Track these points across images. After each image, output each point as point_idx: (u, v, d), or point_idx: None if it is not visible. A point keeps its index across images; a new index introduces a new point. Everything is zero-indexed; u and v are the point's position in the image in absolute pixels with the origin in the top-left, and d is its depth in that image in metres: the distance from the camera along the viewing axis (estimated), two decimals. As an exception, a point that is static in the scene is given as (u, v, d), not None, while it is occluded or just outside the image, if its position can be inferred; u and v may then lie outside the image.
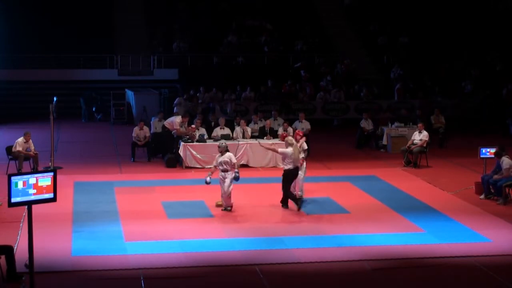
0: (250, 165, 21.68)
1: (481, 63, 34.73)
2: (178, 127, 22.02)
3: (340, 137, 27.66)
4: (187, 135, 21.77)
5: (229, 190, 16.14)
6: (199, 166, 21.07)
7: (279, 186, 16.87)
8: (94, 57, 33.61)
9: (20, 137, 20.53)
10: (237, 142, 21.69)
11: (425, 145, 22.00)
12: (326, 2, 39.12)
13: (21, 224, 14.97)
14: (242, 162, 21.63)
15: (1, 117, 29.88)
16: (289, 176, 16.61)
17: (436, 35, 36.11)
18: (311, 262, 13.07)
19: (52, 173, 10.61)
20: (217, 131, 22.30)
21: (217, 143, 21.14)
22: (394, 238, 14.49)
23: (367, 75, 34.08)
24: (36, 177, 10.46)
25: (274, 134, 22.45)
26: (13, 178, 10.30)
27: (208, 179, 16.27)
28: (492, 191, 17.59)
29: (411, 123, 25.14)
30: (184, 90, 31.05)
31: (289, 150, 16.58)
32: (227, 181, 16.09)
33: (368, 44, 36.50)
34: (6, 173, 18.47)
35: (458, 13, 37.41)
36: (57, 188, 10.72)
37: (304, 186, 17.57)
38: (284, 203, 16.75)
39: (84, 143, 26.06)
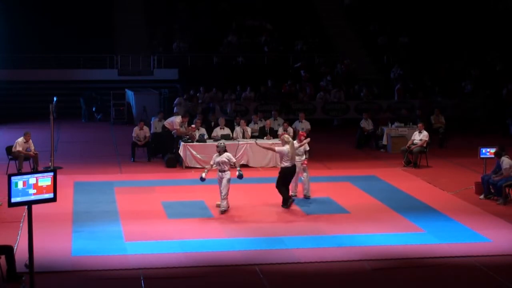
0: (250, 165, 21.68)
1: (481, 63, 34.72)
2: (178, 127, 22.03)
3: (340, 137, 27.66)
4: (187, 135, 21.77)
5: (225, 191, 16.09)
6: (199, 166, 21.06)
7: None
8: (94, 57, 33.61)
9: (20, 137, 20.53)
10: (237, 142, 21.69)
11: (425, 145, 22.00)
12: (326, 2, 39.12)
13: (21, 224, 14.97)
14: (242, 162, 21.63)
15: (1, 117, 29.88)
16: (286, 174, 16.70)
17: (436, 35, 36.11)
18: (311, 262, 13.07)
19: (52, 173, 10.61)
20: (217, 131, 22.30)
21: (217, 143, 21.21)
22: (394, 238, 14.50)
23: (367, 75, 34.08)
24: (36, 177, 10.46)
25: (274, 134, 22.45)
26: (13, 178, 10.30)
27: (203, 175, 16.25)
28: (492, 191, 17.60)
29: (411, 123, 25.14)
30: (184, 90, 31.05)
31: (286, 148, 16.70)
32: (224, 181, 16.06)
33: (368, 44, 36.49)
34: (6, 173, 18.47)
35: (458, 13, 37.42)
36: (57, 188, 10.72)
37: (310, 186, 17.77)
38: (284, 203, 16.76)
39: (84, 143, 26.06)
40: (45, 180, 10.50)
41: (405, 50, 35.64)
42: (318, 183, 18.84)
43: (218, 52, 34.88)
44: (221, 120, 22.90)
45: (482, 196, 17.78)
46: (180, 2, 37.59)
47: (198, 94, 30.51)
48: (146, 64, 34.42)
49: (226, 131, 22.28)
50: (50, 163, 20.57)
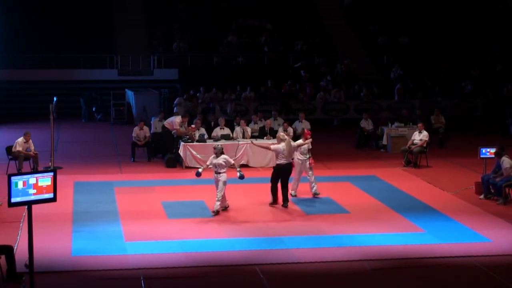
0: (250, 165, 21.68)
1: (481, 63, 34.73)
2: (178, 127, 22.04)
3: (340, 137, 27.66)
4: (187, 135, 21.77)
5: (220, 193, 16.07)
6: (199, 166, 21.00)
7: (278, 186, 16.93)
8: (94, 57, 33.61)
9: (20, 137, 20.53)
10: (237, 142, 21.69)
11: (425, 145, 22.00)
12: (326, 2, 39.12)
13: (21, 224, 14.97)
14: (242, 162, 21.64)
15: (1, 117, 29.89)
16: (278, 171, 16.77)
17: (436, 35, 36.11)
18: (311, 262, 13.07)
19: (52, 173, 10.61)
20: (217, 131, 22.30)
21: (217, 143, 21.21)
22: (394, 238, 14.50)
23: (367, 75, 34.07)
24: (36, 177, 10.46)
25: (274, 134, 22.41)
26: (13, 178, 10.30)
27: (200, 170, 16.23)
28: (492, 191, 17.59)
29: (411, 123, 25.14)
30: (184, 90, 31.05)
31: (281, 146, 16.78)
32: (220, 183, 16.03)
33: (368, 44, 36.49)
34: (6, 173, 18.47)
35: (458, 13, 37.41)
36: (57, 188, 10.72)
37: (316, 185, 17.90)
38: (284, 201, 16.78)
39: (84, 143, 26.07)
40: (45, 180, 10.50)
41: (405, 50, 35.64)
42: (318, 183, 18.77)
43: (218, 52, 34.88)
44: (221, 120, 22.90)
45: (482, 196, 17.78)
46: (180, 2, 37.58)
47: (198, 94, 30.51)
48: (146, 64, 34.42)
49: (226, 131, 22.28)
50: (50, 163, 20.57)
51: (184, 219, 15.83)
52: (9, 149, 20.54)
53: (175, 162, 21.73)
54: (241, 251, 13.63)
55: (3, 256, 11.97)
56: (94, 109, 32.08)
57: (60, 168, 20.58)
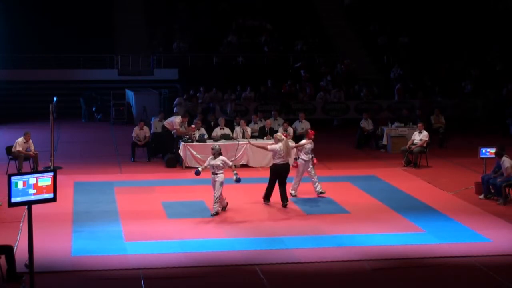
0: (250, 165, 21.69)
1: (481, 63, 34.73)
2: (178, 127, 22.04)
3: (340, 137, 27.66)
4: (187, 135, 21.77)
5: (218, 193, 16.05)
6: (199, 166, 21.02)
7: (276, 186, 16.97)
8: (94, 57, 33.61)
9: (20, 137, 20.53)
10: (237, 142, 21.69)
11: (425, 145, 22.00)
12: (326, 2, 39.12)
13: (21, 224, 14.97)
14: (242, 162, 21.68)
15: (1, 117, 29.89)
16: (276, 171, 16.84)
17: (436, 35, 36.12)
18: (311, 262, 13.07)
19: (52, 173, 10.61)
20: (217, 131, 22.30)
21: (217, 143, 21.20)
22: (394, 238, 14.49)
23: (367, 75, 34.08)
24: (36, 177, 10.46)
25: (274, 134, 22.41)
26: (13, 178, 10.30)
27: (200, 169, 16.22)
28: (492, 191, 17.59)
29: (411, 123, 25.14)
30: (184, 90, 31.05)
31: (278, 146, 16.83)
32: (217, 184, 16.01)
33: (368, 44, 36.50)
34: (6, 173, 18.47)
35: (458, 13, 37.42)
36: (57, 188, 10.72)
37: (319, 185, 17.95)
38: (283, 201, 16.79)
39: (84, 143, 26.07)
40: (45, 180, 10.50)
41: (405, 50, 35.64)
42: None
43: (218, 52, 34.88)
44: (221, 120, 22.90)
45: (482, 196, 17.77)
46: (180, 2, 37.59)
47: (198, 94, 30.51)
48: (146, 64, 34.42)
49: (226, 131, 22.28)
50: (50, 163, 20.57)
51: (184, 219, 15.83)
52: (9, 149, 20.54)
53: (175, 162, 21.73)
54: (241, 251, 13.63)
55: (3, 256, 11.97)
56: (94, 109, 32.08)
57: (60, 168, 20.58)
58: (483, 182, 17.83)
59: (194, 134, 21.71)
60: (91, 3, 35.82)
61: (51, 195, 10.58)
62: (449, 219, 15.95)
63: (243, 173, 20.26)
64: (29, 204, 10.54)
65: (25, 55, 33.10)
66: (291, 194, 17.62)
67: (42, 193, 10.49)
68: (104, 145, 25.83)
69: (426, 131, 22.31)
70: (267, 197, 17.05)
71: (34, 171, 17.91)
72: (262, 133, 22.70)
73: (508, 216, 16.13)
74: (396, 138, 24.29)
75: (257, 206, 16.93)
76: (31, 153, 20.37)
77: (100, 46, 33.50)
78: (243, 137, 22.19)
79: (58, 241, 14.04)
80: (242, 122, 22.78)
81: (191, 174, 20.36)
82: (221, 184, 15.97)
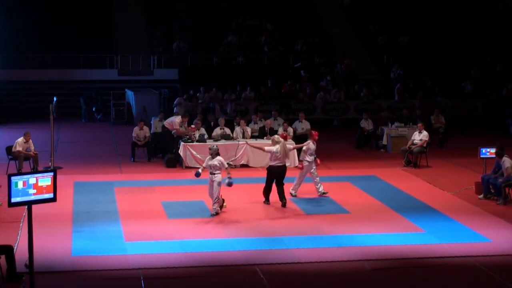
0: (250, 165, 21.70)
1: (481, 63, 34.73)
2: (178, 127, 22.04)
3: (340, 137, 27.66)
4: (187, 135, 21.77)
5: (216, 194, 16.03)
6: (199, 166, 21.01)
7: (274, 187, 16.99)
8: (94, 57, 33.62)
9: (20, 137, 20.53)
10: (237, 142, 21.69)
11: (425, 145, 22.00)
12: (326, 2, 39.11)
13: (21, 224, 14.97)
14: (242, 162, 21.68)
15: (1, 117, 29.90)
16: (272, 173, 16.87)
17: (436, 35, 36.12)
18: (311, 262, 13.07)
19: (52, 173, 10.60)
20: (217, 131, 22.30)
21: (217, 143, 21.21)
22: (394, 238, 14.49)
23: (367, 75, 34.08)
24: (36, 177, 10.46)
25: (274, 134, 22.42)
26: (13, 178, 10.30)
27: (200, 170, 16.21)
28: (492, 191, 17.58)
29: (411, 123, 25.14)
30: (184, 90, 31.05)
31: (275, 148, 16.85)
32: (215, 184, 16.00)
33: (368, 44, 36.50)
34: (6, 173, 18.47)
35: (458, 13, 37.41)
36: (57, 188, 10.72)
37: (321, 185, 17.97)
38: (282, 200, 16.80)
39: (84, 143, 26.07)
40: (45, 180, 10.50)
41: (405, 50, 35.64)
42: (318, 183, 18.85)
43: (218, 52, 34.88)
44: (221, 120, 22.91)
45: (481, 196, 17.77)
46: (180, 2, 37.59)
47: (198, 94, 30.51)
48: (146, 64, 34.43)
49: (226, 131, 22.28)
50: (50, 163, 20.57)
51: (184, 219, 15.83)
52: (9, 149, 20.54)
53: (175, 162, 21.73)
54: (241, 251, 13.63)
55: (3, 256, 11.97)
56: (94, 109, 32.08)
57: (60, 168, 20.59)
58: (483, 182, 17.83)
59: (194, 134, 21.71)
60: (91, 3, 35.83)
61: (51, 195, 10.58)
62: (449, 219, 15.95)
63: (243, 173, 20.36)
64: (29, 204, 10.54)
65: (25, 55, 33.11)
66: (291, 194, 17.63)
67: (42, 193, 10.49)
68: (104, 145, 25.83)
69: (426, 131, 22.31)
70: (266, 198, 17.04)
71: (34, 171, 17.91)
72: (262, 133, 22.70)
73: (508, 216, 16.13)
74: (396, 138, 24.29)
75: (257, 206, 16.93)
76: (31, 153, 20.37)
77: (100, 46, 33.51)
78: (243, 137, 22.19)
79: (58, 241, 14.03)
80: (242, 122, 22.79)
81: (191, 174, 20.34)
82: (219, 184, 15.97)
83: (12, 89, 32.84)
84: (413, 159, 21.82)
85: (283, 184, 16.96)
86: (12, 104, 32.13)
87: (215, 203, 16.04)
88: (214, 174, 15.97)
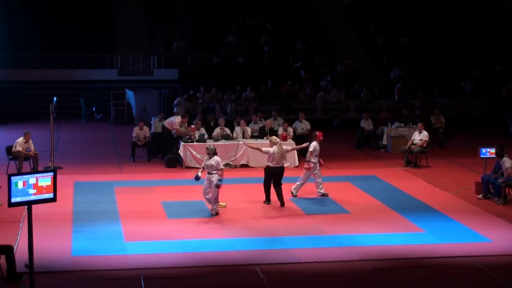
0: (250, 165, 21.69)
1: (481, 63, 34.74)
2: (178, 127, 22.04)
3: (340, 137, 27.63)
4: (187, 135, 21.77)
5: (215, 194, 16.00)
6: (199, 166, 20.95)
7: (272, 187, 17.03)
8: (94, 57, 33.62)
9: (20, 137, 20.52)
10: (237, 142, 21.69)
11: (425, 145, 22.00)
12: (326, 2, 39.11)
13: (21, 224, 14.97)
14: (242, 162, 21.68)
15: (1, 117, 29.89)
16: (269, 173, 16.89)
17: (436, 35, 36.12)
18: (311, 262, 13.07)
19: (52, 173, 10.60)
20: (217, 131, 22.30)
21: (217, 143, 21.22)
22: (394, 238, 14.50)
23: (367, 75, 34.08)
24: (36, 177, 10.46)
25: (274, 134, 22.38)
26: (13, 178, 10.30)
27: (199, 174, 16.21)
28: (492, 191, 17.57)
29: (411, 123, 25.14)
30: (184, 90, 31.05)
31: (272, 149, 16.88)
32: (213, 184, 15.98)
33: (368, 44, 36.49)
34: (6, 173, 18.46)
35: (458, 13, 37.42)
36: (57, 188, 10.72)
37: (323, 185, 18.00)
38: (280, 200, 16.82)
39: (84, 143, 26.07)
40: (45, 180, 10.50)
41: (405, 50, 35.64)
42: (318, 183, 18.84)
43: (218, 52, 34.88)
44: (221, 120, 22.91)
45: (480, 196, 17.76)
46: (180, 2, 37.59)
47: (198, 94, 30.51)
48: (146, 64, 34.43)
49: (226, 131, 22.28)
50: (50, 163, 20.57)
51: (184, 219, 15.83)
52: (9, 149, 20.54)
53: (175, 162, 21.73)
54: (241, 251, 13.63)
55: (3, 256, 11.97)
56: (94, 109, 32.08)
57: (60, 168, 20.59)
58: (483, 182, 17.83)
59: (194, 134, 21.71)
60: (91, 3, 35.82)
61: (51, 195, 10.58)
62: (449, 219, 15.95)
63: (243, 173, 20.39)
64: (29, 204, 10.53)
65: (25, 55, 33.10)
66: (292, 193, 17.63)
67: (42, 193, 10.49)
68: (104, 145, 25.82)
69: (426, 131, 22.31)
70: (266, 198, 17.04)
71: (34, 171, 17.90)
72: (262, 133, 22.70)
73: (508, 216, 16.13)
74: (396, 138, 24.29)
75: (257, 206, 16.93)
76: (31, 153, 20.37)
77: (100, 46, 33.51)
78: (243, 137, 22.19)
79: (58, 241, 14.04)
80: (242, 122, 22.79)
81: (191, 174, 20.36)
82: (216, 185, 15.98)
83: (12, 89, 32.84)
84: (413, 159, 21.81)
85: (281, 184, 16.97)
86: (12, 104, 32.12)
87: (214, 203, 16.04)
88: (212, 174, 15.98)
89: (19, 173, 17.38)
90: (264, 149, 17.29)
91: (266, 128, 22.82)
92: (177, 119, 22.29)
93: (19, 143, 20.28)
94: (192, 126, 21.98)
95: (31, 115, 30.28)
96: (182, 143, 21.47)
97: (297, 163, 21.70)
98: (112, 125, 30.49)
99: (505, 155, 17.50)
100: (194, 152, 21.35)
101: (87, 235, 14.48)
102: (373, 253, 13.59)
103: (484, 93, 31.90)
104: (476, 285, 12.38)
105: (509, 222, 15.69)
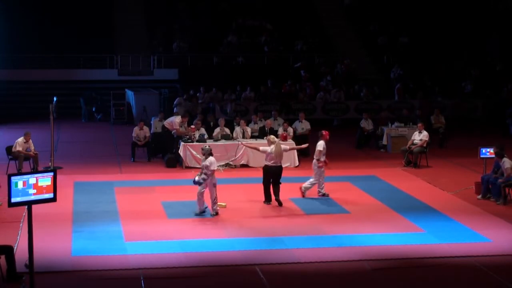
0: (250, 165, 21.68)
1: (481, 63, 34.74)
2: (178, 127, 22.04)
3: (340, 137, 27.58)
4: (187, 135, 21.77)
5: (213, 195, 16.00)
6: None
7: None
8: (94, 57, 33.62)
9: (20, 137, 20.52)
10: (237, 142, 21.68)
11: (425, 145, 22.00)
12: (326, 2, 39.12)
13: (21, 224, 14.97)
14: (242, 162, 21.67)
15: (1, 117, 29.89)
16: (267, 172, 16.91)
17: (436, 35, 36.13)
18: (311, 262, 13.07)
19: (52, 173, 10.60)
20: (217, 131, 22.30)
21: (217, 143, 21.23)
22: (394, 238, 14.49)
23: (367, 75, 34.09)
24: (36, 177, 10.46)
25: (274, 134, 22.35)
26: (13, 178, 10.30)
27: (197, 178, 16.17)
28: (491, 191, 17.56)
29: (411, 123, 25.14)
30: (184, 90, 31.05)
31: (269, 148, 16.90)
32: (210, 185, 15.98)
33: (368, 44, 36.50)
34: (6, 173, 18.46)
35: (458, 13, 37.42)
36: (57, 188, 10.72)
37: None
38: (276, 198, 16.83)
39: (84, 143, 26.07)
40: (45, 180, 10.49)
41: (405, 50, 35.65)
42: (318, 183, 18.84)
43: (218, 52, 34.89)
44: (221, 121, 22.91)
45: (479, 196, 17.76)
46: (180, 2, 37.59)
47: (198, 94, 30.51)
48: (146, 64, 34.43)
49: (226, 131, 22.28)
50: (50, 163, 20.57)
51: (184, 219, 15.83)
52: (9, 149, 20.54)
53: (175, 162, 21.73)
54: (241, 251, 13.63)
55: (3, 256, 11.97)
56: (94, 109, 32.08)
57: (60, 168, 20.58)
58: (483, 182, 17.83)
59: (194, 134, 21.71)
60: (91, 3, 35.83)
61: (51, 195, 10.58)
62: (449, 219, 15.95)
63: (243, 173, 20.41)
64: (29, 204, 10.53)
65: (25, 55, 33.11)
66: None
67: (42, 193, 10.48)
68: (104, 145, 25.82)
69: (426, 131, 22.31)
70: (266, 198, 17.05)
71: (34, 171, 17.90)
72: (262, 133, 22.68)
73: (508, 216, 16.13)
74: (396, 138, 24.29)
75: (257, 206, 16.93)
76: (31, 153, 20.37)
77: (100, 46, 33.51)
78: (243, 137, 22.19)
79: (58, 241, 14.03)
80: (242, 122, 22.79)
81: (191, 174, 20.34)
82: (214, 185, 15.98)
83: (12, 89, 32.84)
84: (413, 159, 21.81)
85: (279, 183, 16.97)
86: (12, 104, 32.12)
87: (214, 203, 16.04)
88: (208, 174, 15.97)
89: (19, 173, 17.38)
90: (261, 148, 17.31)
91: (266, 128, 22.82)
92: (177, 119, 22.29)
93: (19, 143, 20.28)
94: (192, 126, 21.98)
95: (31, 115, 30.28)
96: (182, 143, 21.47)
97: (297, 163, 21.70)
98: (112, 125, 30.49)
99: (505, 155, 17.50)
100: (194, 152, 21.35)
101: (87, 235, 14.47)
102: (373, 253, 13.59)
103: (484, 93, 31.90)
104: (476, 285, 12.38)
105: (509, 222, 15.69)
